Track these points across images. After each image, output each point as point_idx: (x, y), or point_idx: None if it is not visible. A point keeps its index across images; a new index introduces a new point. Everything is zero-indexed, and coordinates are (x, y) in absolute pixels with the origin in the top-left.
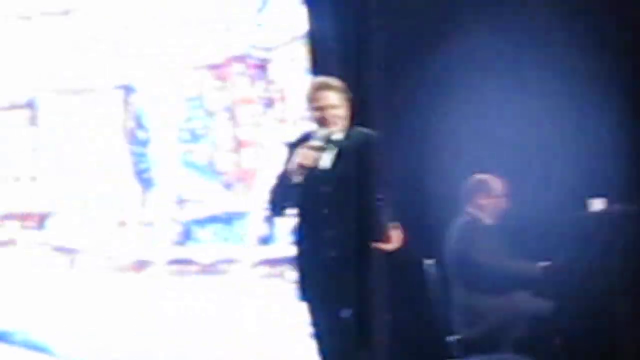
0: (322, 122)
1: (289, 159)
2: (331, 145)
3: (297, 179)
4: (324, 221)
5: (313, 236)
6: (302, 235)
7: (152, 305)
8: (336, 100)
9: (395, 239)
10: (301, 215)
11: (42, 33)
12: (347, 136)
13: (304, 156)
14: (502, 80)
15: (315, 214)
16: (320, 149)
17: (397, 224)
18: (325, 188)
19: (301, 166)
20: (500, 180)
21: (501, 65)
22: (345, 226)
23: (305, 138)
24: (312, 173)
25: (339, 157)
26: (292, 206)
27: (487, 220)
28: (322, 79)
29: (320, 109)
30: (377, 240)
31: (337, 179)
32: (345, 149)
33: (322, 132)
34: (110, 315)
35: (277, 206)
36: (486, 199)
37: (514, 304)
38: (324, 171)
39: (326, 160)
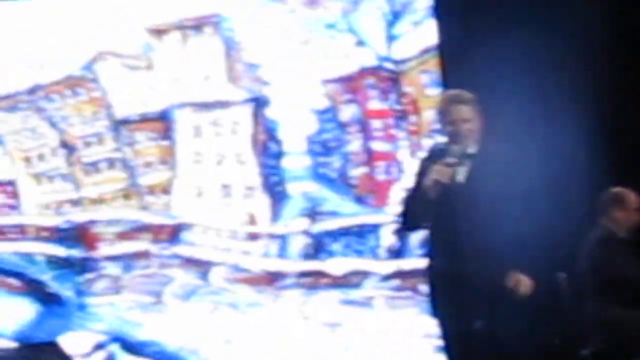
0: (454, 136)
1: (419, 173)
2: (466, 160)
3: (432, 194)
4: (459, 237)
5: (447, 251)
6: (435, 250)
7: (284, 316)
8: (469, 114)
9: (524, 284)
10: (435, 230)
11: (175, 46)
12: (481, 150)
13: (440, 173)
14: None
15: (450, 229)
16: (456, 165)
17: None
18: (461, 203)
19: (437, 182)
20: (635, 194)
21: None
22: (480, 242)
23: (436, 152)
24: (447, 188)
25: (474, 172)
26: (426, 221)
27: (621, 233)
28: (454, 92)
29: (453, 122)
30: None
31: (472, 194)
32: (480, 163)
33: (457, 147)
34: (243, 325)
35: (410, 221)
36: (621, 212)
37: None
38: (460, 186)
39: (461, 175)
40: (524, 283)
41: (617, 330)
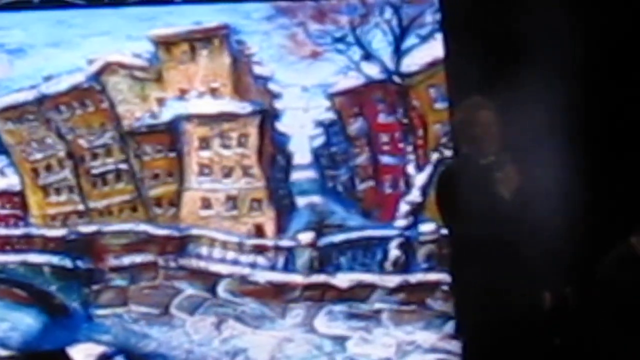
0: (482, 140)
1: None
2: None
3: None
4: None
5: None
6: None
7: (291, 329)
8: (494, 118)
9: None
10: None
11: (183, 58)
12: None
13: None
14: None
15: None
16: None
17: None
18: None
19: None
20: None
21: None
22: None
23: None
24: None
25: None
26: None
27: None
28: (477, 98)
29: (481, 125)
30: None
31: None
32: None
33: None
34: (249, 338)
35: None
36: None
37: None
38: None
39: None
40: (548, 299)
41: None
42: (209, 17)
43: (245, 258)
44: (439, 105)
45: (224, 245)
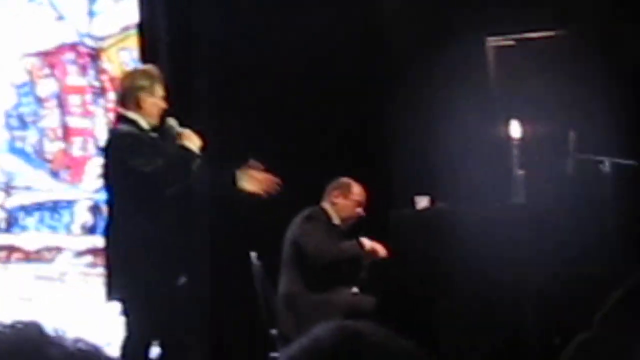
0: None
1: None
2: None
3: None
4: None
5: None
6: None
7: None
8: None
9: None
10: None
11: None
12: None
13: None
14: None
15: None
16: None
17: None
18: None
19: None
20: (362, 189)
21: None
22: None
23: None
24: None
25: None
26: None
27: (335, 219)
28: (150, 66)
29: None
30: None
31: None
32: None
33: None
34: None
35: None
36: (341, 198)
37: (334, 300)
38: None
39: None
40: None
41: (301, 313)
42: None
43: None
44: (130, 69)
45: None
